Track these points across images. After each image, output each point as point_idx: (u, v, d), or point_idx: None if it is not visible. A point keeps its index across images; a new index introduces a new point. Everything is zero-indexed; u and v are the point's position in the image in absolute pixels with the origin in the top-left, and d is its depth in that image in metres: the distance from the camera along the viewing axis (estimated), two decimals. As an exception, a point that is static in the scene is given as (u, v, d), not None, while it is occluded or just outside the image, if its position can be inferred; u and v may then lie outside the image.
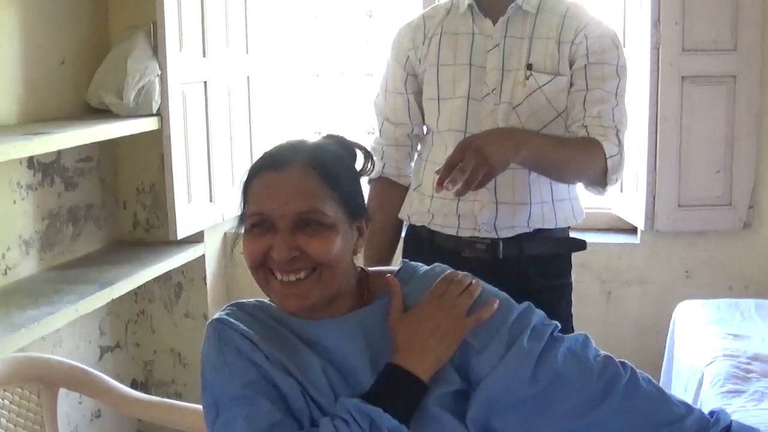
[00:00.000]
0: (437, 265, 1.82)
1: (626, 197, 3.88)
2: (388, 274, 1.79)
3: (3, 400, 2.46)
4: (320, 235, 1.65)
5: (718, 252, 3.83)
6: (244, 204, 1.70)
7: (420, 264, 1.84)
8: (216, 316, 1.75)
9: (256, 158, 1.73)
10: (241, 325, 1.69)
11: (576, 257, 2.60)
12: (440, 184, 2.05)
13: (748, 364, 2.84)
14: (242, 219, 1.70)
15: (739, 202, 3.73)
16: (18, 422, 2.48)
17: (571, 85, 2.40)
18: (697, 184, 3.72)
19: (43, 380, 2.53)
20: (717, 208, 3.74)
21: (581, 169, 2.39)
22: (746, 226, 3.76)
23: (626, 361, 1.68)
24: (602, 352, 1.70)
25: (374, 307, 1.73)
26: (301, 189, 1.65)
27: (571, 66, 2.40)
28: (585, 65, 2.39)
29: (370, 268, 1.82)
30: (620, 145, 2.39)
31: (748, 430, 1.67)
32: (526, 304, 1.74)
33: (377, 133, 2.64)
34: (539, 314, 1.73)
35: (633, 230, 3.94)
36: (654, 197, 3.73)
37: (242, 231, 1.70)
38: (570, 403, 1.63)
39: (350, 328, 1.69)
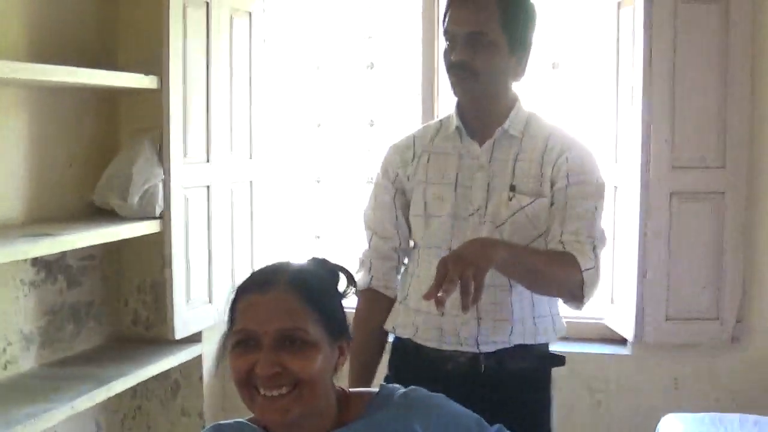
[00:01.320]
0: (414, 389, 1.90)
1: (616, 309, 3.94)
2: None
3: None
4: (302, 352, 1.74)
5: (705, 365, 3.87)
6: (230, 322, 1.79)
7: (397, 387, 1.92)
8: None
9: (255, 262, 1.85)
10: None
11: (565, 367, 2.65)
12: (437, 302, 2.05)
13: (728, 479, 2.89)
14: (227, 337, 1.79)
15: (727, 316, 3.77)
16: None
17: (552, 203, 2.49)
18: (685, 297, 3.77)
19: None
20: (705, 321, 3.78)
21: (558, 279, 2.44)
22: (734, 340, 3.79)
23: None
24: None
25: (351, 428, 1.81)
26: (285, 308, 1.75)
27: (552, 186, 2.49)
28: (565, 185, 2.48)
29: (349, 389, 1.90)
30: (596, 259, 2.46)
31: None
32: (497, 426, 1.83)
33: (366, 246, 2.73)
34: None
35: (623, 341, 3.98)
36: (643, 310, 3.77)
37: (227, 348, 1.80)
38: None
39: None
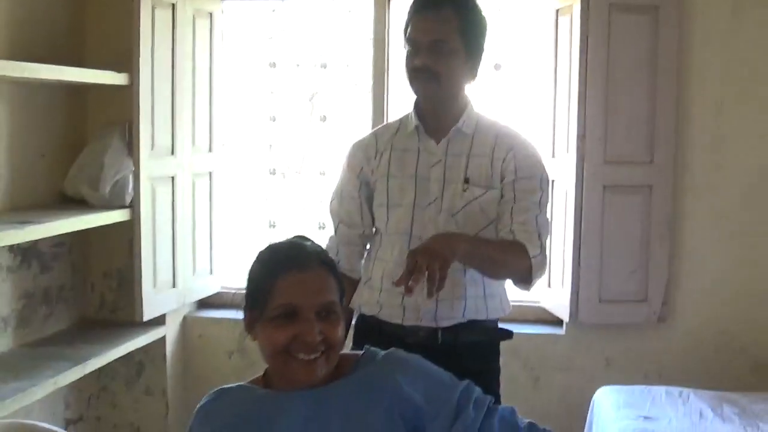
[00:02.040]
0: (394, 350, 2.19)
1: (553, 293, 4.23)
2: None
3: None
4: (334, 322, 2.03)
5: (635, 343, 4.17)
6: (263, 299, 2.02)
7: (378, 350, 2.19)
8: (201, 403, 2.10)
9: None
10: (214, 415, 2.05)
11: (507, 346, 2.95)
12: (407, 290, 2.31)
13: (654, 441, 3.21)
14: (258, 309, 2.03)
15: (654, 298, 4.07)
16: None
17: (502, 196, 2.78)
18: (616, 281, 4.06)
19: (30, 445, 2.81)
20: (634, 303, 4.08)
21: (510, 266, 2.73)
22: (660, 320, 4.10)
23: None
24: (527, 420, 2.11)
25: (344, 381, 2.08)
26: (323, 285, 2.04)
27: (501, 180, 2.77)
28: (513, 180, 2.76)
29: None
30: (542, 247, 2.76)
31: None
32: (467, 381, 2.12)
33: (333, 233, 2.99)
34: (478, 389, 2.12)
35: (559, 322, 4.27)
36: (578, 293, 4.06)
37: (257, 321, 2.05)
38: None
39: (322, 396, 2.03)
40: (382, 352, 2.18)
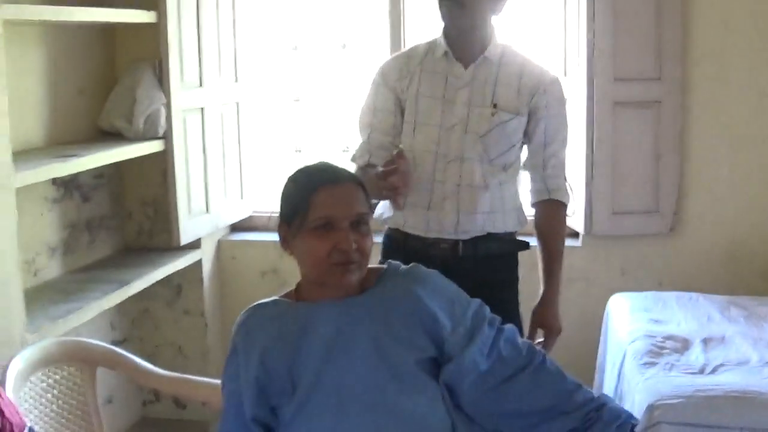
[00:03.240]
0: (415, 265, 2.40)
1: (573, 206, 4.40)
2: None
3: (51, 378, 2.97)
4: (365, 233, 2.24)
5: (648, 252, 4.38)
6: (303, 211, 2.21)
7: (400, 264, 2.41)
8: (241, 318, 2.30)
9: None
10: (255, 330, 2.25)
11: (528, 259, 3.15)
12: None
13: (663, 342, 3.40)
14: (296, 224, 2.23)
15: (666, 209, 4.27)
16: (65, 396, 2.98)
17: (530, 138, 3.04)
18: (629, 194, 4.25)
19: (85, 360, 3.02)
20: (646, 214, 4.27)
21: (564, 239, 3.18)
22: (672, 230, 4.30)
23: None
24: (526, 341, 2.39)
25: (370, 292, 2.30)
26: (356, 197, 2.24)
27: (530, 113, 2.99)
28: (544, 117, 3.01)
29: None
30: (568, 186, 3.12)
31: (619, 409, 2.28)
32: (479, 301, 2.36)
33: (364, 139, 3.11)
34: (487, 308, 2.36)
35: (576, 235, 4.45)
36: (591, 205, 4.26)
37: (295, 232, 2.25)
38: (503, 374, 2.26)
39: (350, 307, 2.25)
40: (404, 267, 2.39)
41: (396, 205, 2.90)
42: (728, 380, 3.09)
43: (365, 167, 3.01)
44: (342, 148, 4.72)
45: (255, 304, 2.34)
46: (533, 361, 2.30)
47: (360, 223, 2.22)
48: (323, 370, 2.17)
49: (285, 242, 2.30)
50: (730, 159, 4.28)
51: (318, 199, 2.21)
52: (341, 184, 2.24)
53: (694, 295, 3.96)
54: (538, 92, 2.98)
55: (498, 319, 2.36)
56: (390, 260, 2.44)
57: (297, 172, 2.33)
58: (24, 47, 3.73)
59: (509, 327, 2.36)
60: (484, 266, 2.99)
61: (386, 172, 2.72)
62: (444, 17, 2.96)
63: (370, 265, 2.37)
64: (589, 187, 4.26)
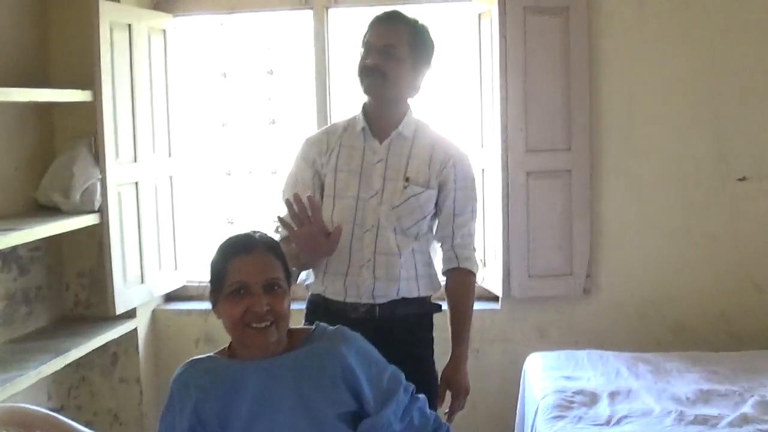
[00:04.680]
0: (341, 327, 2.64)
1: (488, 271, 4.64)
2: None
3: (-10, 442, 3.09)
4: (279, 296, 2.46)
5: (563, 313, 4.60)
6: (220, 280, 2.46)
7: (327, 326, 2.64)
8: (178, 372, 2.51)
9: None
10: (190, 382, 2.45)
11: (441, 322, 3.33)
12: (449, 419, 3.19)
13: (572, 396, 3.62)
14: (218, 290, 2.47)
15: (578, 272, 4.50)
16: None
17: (440, 209, 3.23)
18: (543, 258, 4.48)
19: (22, 425, 3.14)
20: (560, 277, 4.51)
21: (473, 305, 3.36)
22: (585, 292, 4.54)
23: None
24: (433, 412, 2.66)
25: (298, 351, 2.51)
26: (267, 264, 2.47)
27: (439, 185, 3.20)
28: (454, 189, 3.21)
29: (291, 327, 2.59)
30: (476, 252, 3.32)
31: None
32: (393, 366, 2.61)
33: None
34: (402, 374, 2.61)
35: (495, 298, 4.67)
36: (509, 270, 4.48)
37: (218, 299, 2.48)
38: None
39: (279, 365, 2.46)
40: (331, 328, 2.62)
41: (292, 237, 3.04)
42: (632, 430, 3.31)
43: (287, 239, 3.18)
44: (272, 218, 4.89)
45: (191, 359, 2.56)
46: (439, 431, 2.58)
47: (273, 286, 2.44)
48: (252, 424, 2.39)
49: (214, 307, 2.53)
50: (638, 222, 4.54)
51: (233, 267, 2.45)
52: (254, 252, 2.46)
53: (605, 353, 4.19)
54: (447, 166, 3.19)
55: (412, 386, 2.61)
56: (318, 322, 2.66)
57: (222, 242, 2.54)
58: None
59: (422, 397, 2.62)
60: (401, 327, 3.18)
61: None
62: (366, 90, 3.17)
63: (300, 327, 2.65)
64: (506, 253, 4.48)
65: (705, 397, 3.65)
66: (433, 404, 3.12)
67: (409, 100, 3.25)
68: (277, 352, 2.49)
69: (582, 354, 4.19)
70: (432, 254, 3.31)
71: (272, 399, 2.41)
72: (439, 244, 3.30)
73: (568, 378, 3.87)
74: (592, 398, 3.65)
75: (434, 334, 3.33)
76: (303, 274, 3.28)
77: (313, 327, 2.64)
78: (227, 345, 2.58)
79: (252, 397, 2.41)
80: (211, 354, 2.57)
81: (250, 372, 2.44)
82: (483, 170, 4.56)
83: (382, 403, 2.49)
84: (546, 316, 4.63)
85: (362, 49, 3.17)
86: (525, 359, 4.29)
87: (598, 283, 4.58)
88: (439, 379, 3.27)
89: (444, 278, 3.34)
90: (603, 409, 3.54)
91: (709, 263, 4.55)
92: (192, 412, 2.40)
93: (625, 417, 3.46)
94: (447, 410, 3.24)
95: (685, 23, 4.43)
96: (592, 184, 4.50)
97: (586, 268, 4.52)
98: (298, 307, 2.99)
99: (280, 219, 3.06)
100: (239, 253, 2.47)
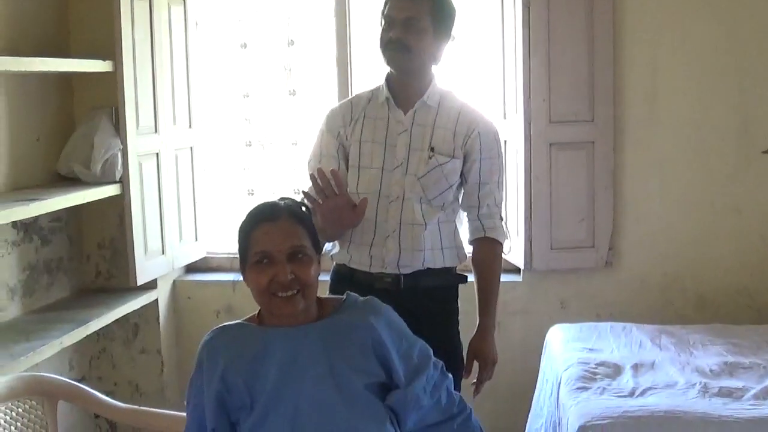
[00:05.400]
0: (372, 298, 2.64)
1: (510, 243, 4.61)
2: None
3: (14, 411, 3.10)
4: (305, 264, 2.45)
5: (585, 286, 4.59)
6: (245, 249, 2.46)
7: (358, 296, 2.64)
8: (206, 338, 2.50)
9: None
10: (219, 349, 2.45)
11: (471, 294, 3.32)
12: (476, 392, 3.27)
13: (595, 368, 3.61)
14: (244, 260, 2.47)
15: (601, 244, 4.48)
16: (27, 429, 3.11)
17: (466, 179, 3.20)
18: (566, 230, 4.47)
19: (45, 394, 3.18)
20: (582, 249, 4.49)
21: (500, 275, 3.36)
22: (607, 264, 4.52)
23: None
24: (458, 394, 2.65)
25: (328, 320, 2.51)
26: (291, 232, 2.46)
27: (465, 155, 3.18)
28: (479, 159, 3.18)
29: (322, 296, 2.60)
30: (504, 221, 3.30)
31: None
32: (422, 341, 2.61)
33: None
34: (431, 349, 2.61)
35: (517, 270, 4.66)
36: (531, 242, 4.47)
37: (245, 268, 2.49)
38: (435, 419, 2.55)
39: (308, 332, 2.46)
40: (362, 299, 2.62)
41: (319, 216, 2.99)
42: (655, 402, 3.30)
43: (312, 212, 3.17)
44: (293, 190, 4.89)
45: (221, 325, 2.56)
46: (462, 413, 2.58)
47: (297, 254, 2.42)
48: (279, 391, 2.38)
49: (243, 276, 2.52)
50: (661, 195, 4.52)
51: (256, 236, 2.45)
52: (277, 221, 2.45)
53: (627, 325, 4.18)
54: (472, 135, 3.17)
55: (441, 363, 2.60)
56: (349, 293, 2.65)
57: (249, 211, 2.54)
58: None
59: (450, 375, 2.62)
60: (426, 298, 3.17)
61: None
62: (389, 62, 3.15)
63: (331, 296, 2.67)
64: (528, 225, 4.46)
65: (729, 369, 3.64)
66: (458, 375, 3.14)
67: (434, 69, 3.23)
68: (306, 320, 2.49)
69: (604, 326, 4.17)
70: (458, 225, 3.30)
71: (300, 366, 2.41)
72: (465, 214, 3.28)
73: (590, 350, 3.86)
74: (616, 370, 3.64)
75: (459, 306, 3.32)
76: (328, 245, 3.27)
77: (344, 297, 2.63)
78: (256, 312, 2.57)
79: (280, 363, 2.41)
80: (240, 321, 2.56)
81: (278, 339, 2.44)
82: (505, 141, 4.50)
83: (411, 378, 2.49)
84: (568, 288, 4.62)
85: (383, 22, 3.14)
86: (547, 331, 4.28)
87: (620, 256, 4.56)
88: (463, 349, 3.27)
89: (471, 249, 3.32)
90: (627, 380, 3.53)
91: (732, 236, 4.53)
92: (220, 380, 2.40)
93: (650, 389, 3.44)
94: (474, 381, 3.23)
95: (710, -6, 4.38)
96: (615, 156, 4.47)
97: (609, 240, 4.50)
98: (324, 278, 2.98)
99: (305, 193, 3.05)
100: (262, 222, 2.47)
